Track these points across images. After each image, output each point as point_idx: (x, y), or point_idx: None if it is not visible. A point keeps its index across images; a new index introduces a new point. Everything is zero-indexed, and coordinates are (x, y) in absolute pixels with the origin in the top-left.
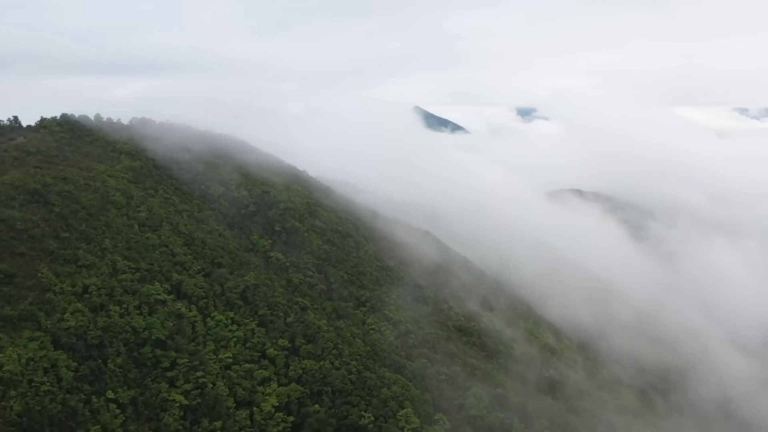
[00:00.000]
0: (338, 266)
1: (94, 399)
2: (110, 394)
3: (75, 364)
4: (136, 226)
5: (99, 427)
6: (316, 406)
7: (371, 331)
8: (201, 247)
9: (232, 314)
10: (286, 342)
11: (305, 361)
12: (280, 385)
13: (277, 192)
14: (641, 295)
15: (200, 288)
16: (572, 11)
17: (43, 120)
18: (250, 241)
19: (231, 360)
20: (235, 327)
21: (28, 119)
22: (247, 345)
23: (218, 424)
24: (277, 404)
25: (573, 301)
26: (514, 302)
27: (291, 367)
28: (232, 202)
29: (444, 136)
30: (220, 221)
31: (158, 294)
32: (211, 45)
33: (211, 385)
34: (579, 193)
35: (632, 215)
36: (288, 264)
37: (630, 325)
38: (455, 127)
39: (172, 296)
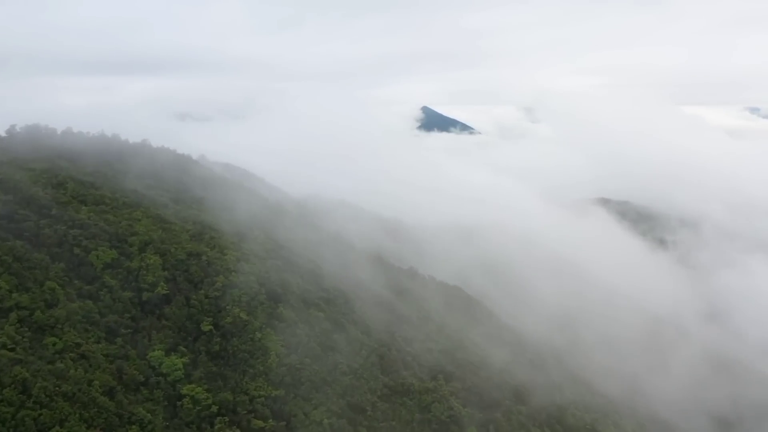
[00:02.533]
0: (313, 399)
1: None
2: None
3: None
4: None
5: None
6: None
7: None
8: (18, 401)
9: None
10: None
11: None
12: None
13: (215, 254)
14: (699, 335)
15: None
16: (585, 10)
17: None
18: (147, 362)
19: None
20: None
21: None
22: None
23: None
24: None
25: (632, 359)
26: (593, 402)
27: None
28: (127, 280)
29: (452, 137)
30: (90, 324)
31: None
32: (218, 43)
33: None
34: (604, 201)
35: (653, 227)
36: (217, 408)
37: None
38: (464, 127)
39: None
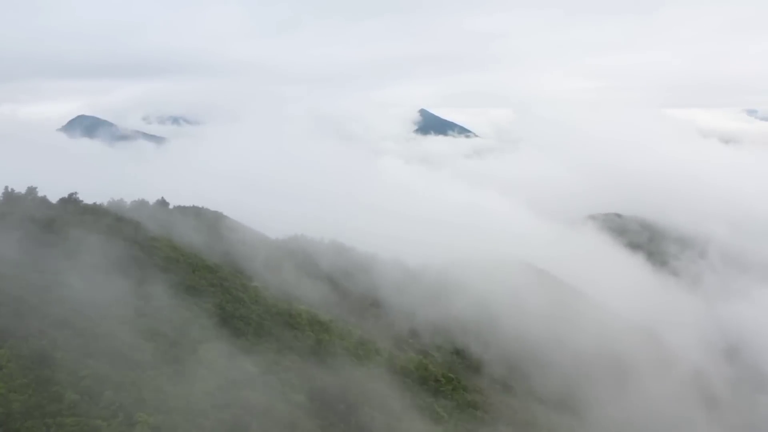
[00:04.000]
0: None
1: None
2: None
3: None
4: None
5: None
6: None
7: None
8: None
9: None
10: None
11: None
12: None
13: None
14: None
15: None
16: (590, 15)
17: None
18: None
19: None
20: None
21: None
22: None
23: None
24: None
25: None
26: None
27: None
28: None
29: (448, 141)
30: None
31: None
32: (215, 46)
33: None
34: (603, 218)
35: (659, 247)
36: None
37: None
38: (461, 130)
39: None
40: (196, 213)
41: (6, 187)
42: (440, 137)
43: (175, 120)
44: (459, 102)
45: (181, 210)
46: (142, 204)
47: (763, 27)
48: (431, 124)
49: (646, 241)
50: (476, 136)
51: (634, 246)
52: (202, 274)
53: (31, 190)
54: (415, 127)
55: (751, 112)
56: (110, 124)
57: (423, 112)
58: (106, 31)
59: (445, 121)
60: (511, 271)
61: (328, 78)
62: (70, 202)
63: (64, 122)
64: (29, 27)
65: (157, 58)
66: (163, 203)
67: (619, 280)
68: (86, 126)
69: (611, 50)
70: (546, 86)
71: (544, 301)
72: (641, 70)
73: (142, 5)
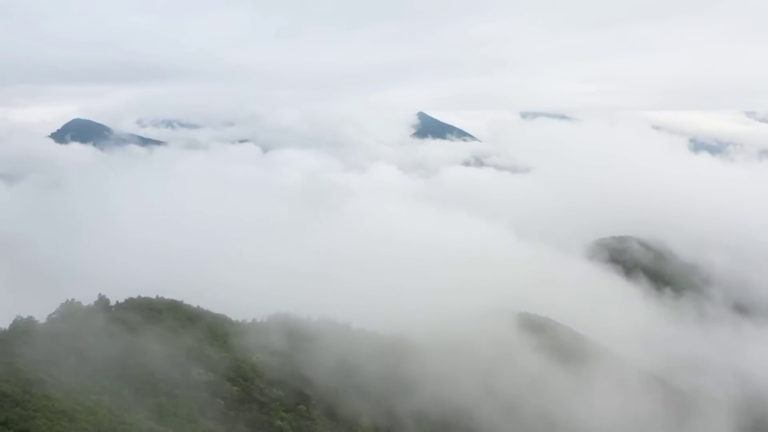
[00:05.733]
0: None
1: None
2: None
3: None
4: None
5: None
6: None
7: None
8: None
9: None
10: None
11: None
12: None
13: None
14: None
15: None
16: (590, 20)
17: None
18: None
19: None
20: None
21: None
22: None
23: None
24: None
25: None
26: None
27: None
28: None
29: (446, 144)
30: None
31: None
32: (213, 52)
33: None
34: (600, 246)
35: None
36: None
37: None
38: (460, 133)
39: None
40: (137, 309)
41: None
42: (437, 141)
43: (170, 123)
44: (458, 105)
45: (125, 308)
46: (71, 307)
47: (761, 31)
48: (429, 128)
49: (649, 264)
50: (474, 139)
51: (634, 274)
52: None
53: None
54: (413, 131)
55: (750, 114)
56: (105, 128)
57: (421, 115)
58: (104, 35)
59: (444, 124)
60: (495, 328)
61: (325, 82)
62: None
63: (59, 126)
64: (27, 32)
65: (154, 62)
66: (102, 303)
67: (624, 322)
68: (81, 129)
69: (611, 54)
70: (545, 89)
71: (537, 369)
72: (640, 72)
73: (141, 11)
